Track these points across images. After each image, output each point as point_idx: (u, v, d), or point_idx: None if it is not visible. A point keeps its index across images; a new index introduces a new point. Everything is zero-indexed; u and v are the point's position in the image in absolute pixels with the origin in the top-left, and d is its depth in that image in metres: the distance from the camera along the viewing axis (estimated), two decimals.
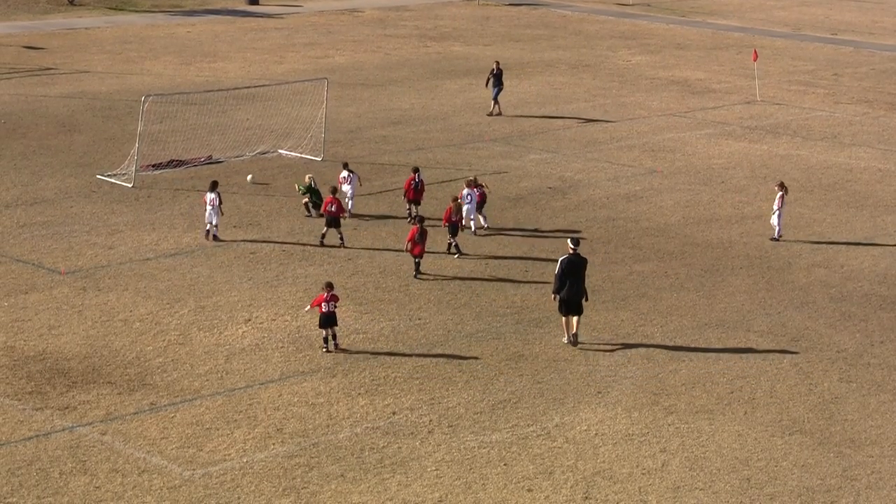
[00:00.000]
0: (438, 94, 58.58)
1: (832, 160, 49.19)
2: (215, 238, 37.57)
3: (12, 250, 36.49)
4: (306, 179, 41.20)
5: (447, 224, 36.94)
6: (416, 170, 39.94)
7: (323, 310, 30.11)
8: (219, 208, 37.47)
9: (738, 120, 55.31)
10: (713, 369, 30.07)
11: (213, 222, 37.59)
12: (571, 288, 30.72)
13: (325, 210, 37.52)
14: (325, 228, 37.49)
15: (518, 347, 30.90)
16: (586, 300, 31.07)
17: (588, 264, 31.29)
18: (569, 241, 31.52)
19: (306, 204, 40.30)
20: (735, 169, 47.33)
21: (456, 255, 36.89)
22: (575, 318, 30.94)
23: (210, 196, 37.43)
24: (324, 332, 30.34)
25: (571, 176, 45.79)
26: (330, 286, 30.41)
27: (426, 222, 35.92)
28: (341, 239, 37.47)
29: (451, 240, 37.03)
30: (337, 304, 30.35)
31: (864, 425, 27.55)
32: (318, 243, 37.46)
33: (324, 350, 30.19)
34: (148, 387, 28.15)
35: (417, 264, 35.23)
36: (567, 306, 30.86)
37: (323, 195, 38.62)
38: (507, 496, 24.22)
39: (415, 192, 39.75)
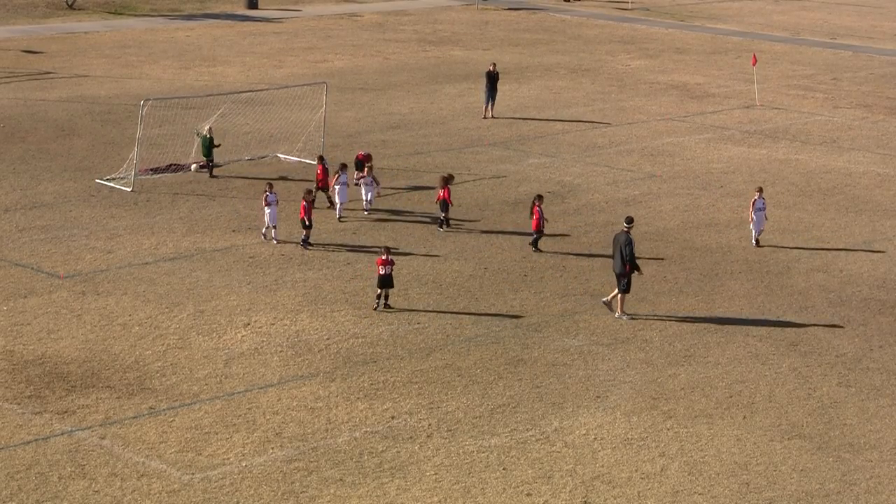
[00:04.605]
0: (437, 99, 58.60)
1: (831, 164, 49.21)
2: (274, 239, 37.91)
3: (11, 254, 36.49)
4: (205, 132, 44.17)
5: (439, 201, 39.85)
6: (321, 158, 42.30)
7: (380, 272, 32.68)
8: (275, 208, 37.72)
9: (738, 124, 55.34)
10: (712, 374, 30.08)
11: (269, 223, 37.82)
12: (614, 261, 33.25)
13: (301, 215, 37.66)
14: (305, 231, 37.65)
15: (517, 352, 30.91)
16: (627, 272, 32.87)
17: (631, 243, 33.12)
18: (625, 219, 34.15)
19: (209, 165, 44.45)
20: (734, 173, 47.35)
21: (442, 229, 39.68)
22: (619, 294, 33.16)
23: (269, 196, 37.59)
24: (378, 292, 32.88)
25: (570, 180, 45.80)
26: (388, 250, 33.26)
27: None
28: (307, 239, 37.54)
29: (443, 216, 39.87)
30: (393, 268, 32.87)
31: (863, 430, 27.56)
32: (304, 246, 37.55)
33: (374, 308, 32.90)
34: (147, 391, 28.16)
35: (536, 240, 38.07)
36: (618, 281, 33.18)
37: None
38: (506, 500, 24.22)
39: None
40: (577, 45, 74.65)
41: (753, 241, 39.11)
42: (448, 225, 39.68)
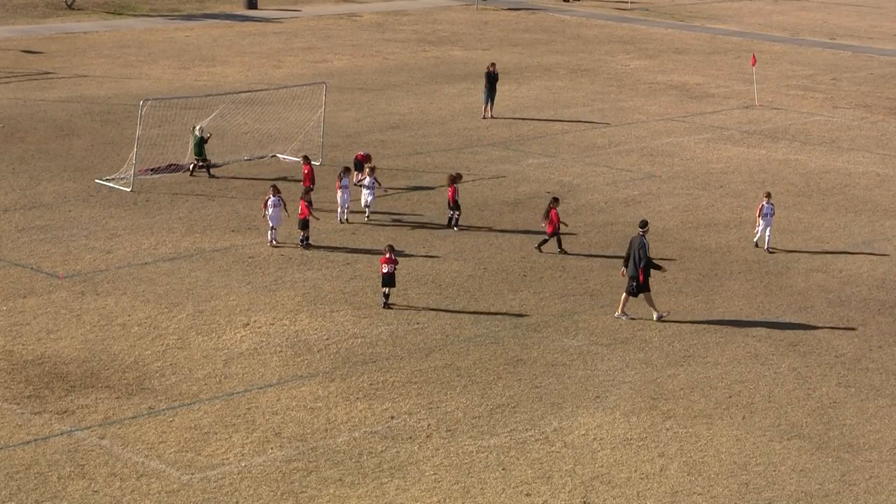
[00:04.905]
0: (437, 99, 58.60)
1: (830, 165, 49.22)
2: (273, 240, 37.66)
3: (11, 254, 36.49)
4: (196, 131, 44.07)
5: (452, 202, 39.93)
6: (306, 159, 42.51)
7: (383, 270, 33.03)
8: (279, 211, 37.47)
9: (737, 124, 55.35)
10: (711, 374, 30.08)
11: (273, 225, 37.56)
12: (630, 265, 32.92)
13: (301, 215, 37.62)
14: (301, 231, 37.57)
15: (516, 352, 30.91)
16: (639, 275, 32.65)
17: (645, 246, 32.92)
18: (639, 223, 33.90)
19: (203, 165, 44.26)
20: (733, 173, 47.36)
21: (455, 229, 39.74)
22: (635, 297, 32.94)
23: (272, 199, 37.34)
24: (385, 290, 33.11)
25: (570, 180, 45.81)
26: (391, 248, 33.25)
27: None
28: (306, 239, 37.49)
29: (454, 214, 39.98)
30: (396, 267, 33.19)
31: (863, 430, 27.57)
32: (303, 246, 37.50)
33: (382, 305, 33.17)
34: (146, 391, 28.16)
35: (544, 241, 37.84)
36: (628, 283, 32.95)
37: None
38: (506, 501, 24.23)
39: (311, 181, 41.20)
40: (576, 45, 74.66)
41: (755, 242, 38.85)
42: (449, 225, 39.65)
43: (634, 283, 32.84)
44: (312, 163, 43.03)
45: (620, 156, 49.52)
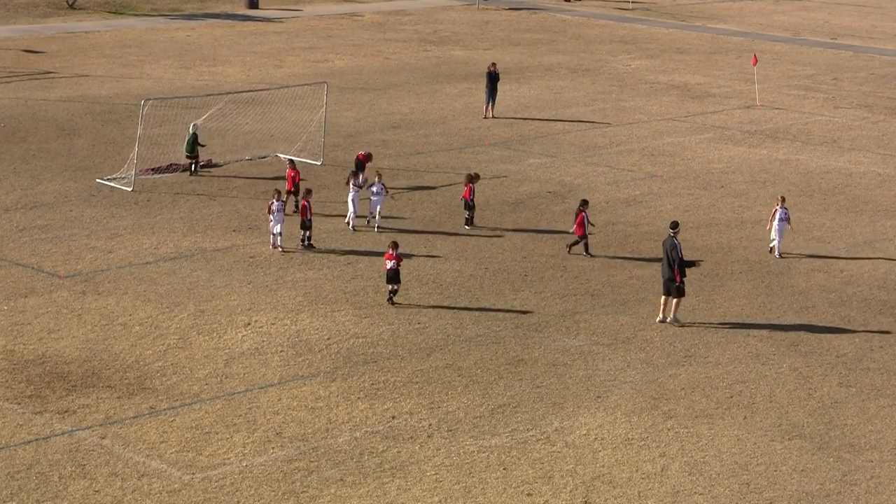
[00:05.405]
0: (438, 99, 58.60)
1: (832, 165, 49.21)
2: (278, 247, 37.29)
3: (12, 254, 36.49)
4: (191, 128, 44.06)
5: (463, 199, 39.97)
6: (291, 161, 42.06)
7: (386, 266, 33.21)
8: (283, 215, 37.15)
9: (738, 124, 55.34)
10: (712, 374, 30.08)
11: (277, 231, 37.21)
12: (663, 267, 32.86)
13: (303, 216, 37.47)
14: (302, 231, 37.49)
15: (517, 352, 30.91)
16: (678, 279, 32.45)
17: (677, 247, 32.69)
18: (669, 224, 33.65)
19: (193, 163, 44.40)
20: (735, 173, 47.35)
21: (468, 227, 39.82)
22: (672, 299, 32.68)
23: (276, 204, 37.08)
24: (390, 287, 33.27)
25: (571, 180, 45.80)
26: (395, 245, 33.38)
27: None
28: (308, 240, 37.41)
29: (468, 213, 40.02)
30: (400, 264, 33.22)
31: (864, 430, 27.57)
32: (304, 247, 37.42)
33: (387, 300, 33.30)
34: (147, 391, 28.17)
35: (586, 245, 37.62)
36: (663, 285, 32.80)
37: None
38: (507, 500, 24.23)
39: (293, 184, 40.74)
40: (577, 45, 74.65)
41: (774, 251, 38.20)
42: (471, 223, 39.58)
43: (674, 285, 32.54)
44: (310, 162, 42.92)
45: (622, 156, 49.52)
